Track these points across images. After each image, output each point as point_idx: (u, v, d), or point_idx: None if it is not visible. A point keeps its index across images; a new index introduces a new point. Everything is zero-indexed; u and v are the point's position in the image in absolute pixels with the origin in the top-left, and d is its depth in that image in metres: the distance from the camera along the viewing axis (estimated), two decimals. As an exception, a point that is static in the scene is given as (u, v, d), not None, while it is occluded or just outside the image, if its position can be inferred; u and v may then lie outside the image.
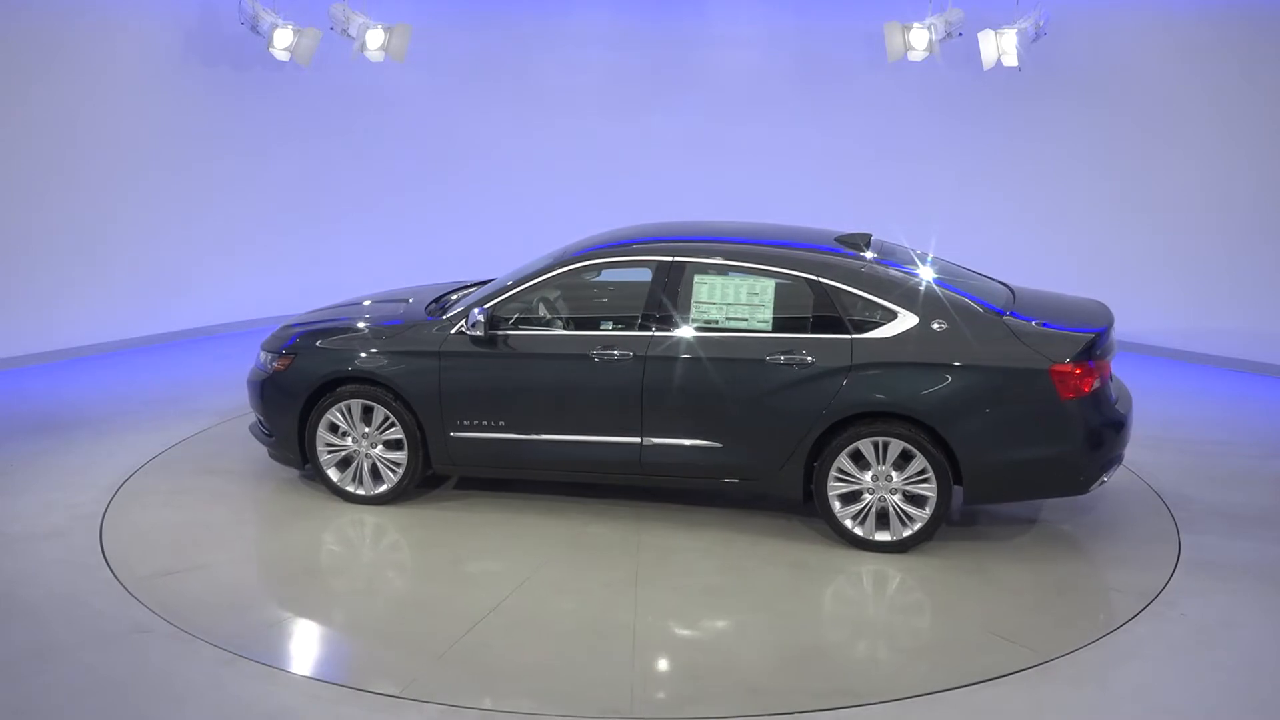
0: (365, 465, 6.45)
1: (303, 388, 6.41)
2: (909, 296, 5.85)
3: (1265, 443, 7.87)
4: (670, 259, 6.16)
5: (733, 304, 6.00)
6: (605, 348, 6.07)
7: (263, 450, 6.95)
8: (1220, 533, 6.24)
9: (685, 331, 6.01)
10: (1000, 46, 9.45)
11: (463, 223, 11.69)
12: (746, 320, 5.97)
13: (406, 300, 7.04)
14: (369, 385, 6.36)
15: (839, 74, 11.34)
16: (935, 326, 5.73)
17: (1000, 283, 6.60)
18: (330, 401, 6.39)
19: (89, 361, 9.66)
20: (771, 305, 5.96)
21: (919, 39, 9.70)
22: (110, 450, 7.31)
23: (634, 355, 6.03)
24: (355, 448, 6.44)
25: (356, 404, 6.37)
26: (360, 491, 6.47)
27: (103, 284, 9.86)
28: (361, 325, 6.65)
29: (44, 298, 9.48)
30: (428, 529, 6.23)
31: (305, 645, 5.06)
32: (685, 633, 5.14)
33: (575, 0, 11.58)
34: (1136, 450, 7.33)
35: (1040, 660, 4.75)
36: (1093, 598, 5.49)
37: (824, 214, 10.81)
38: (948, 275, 6.26)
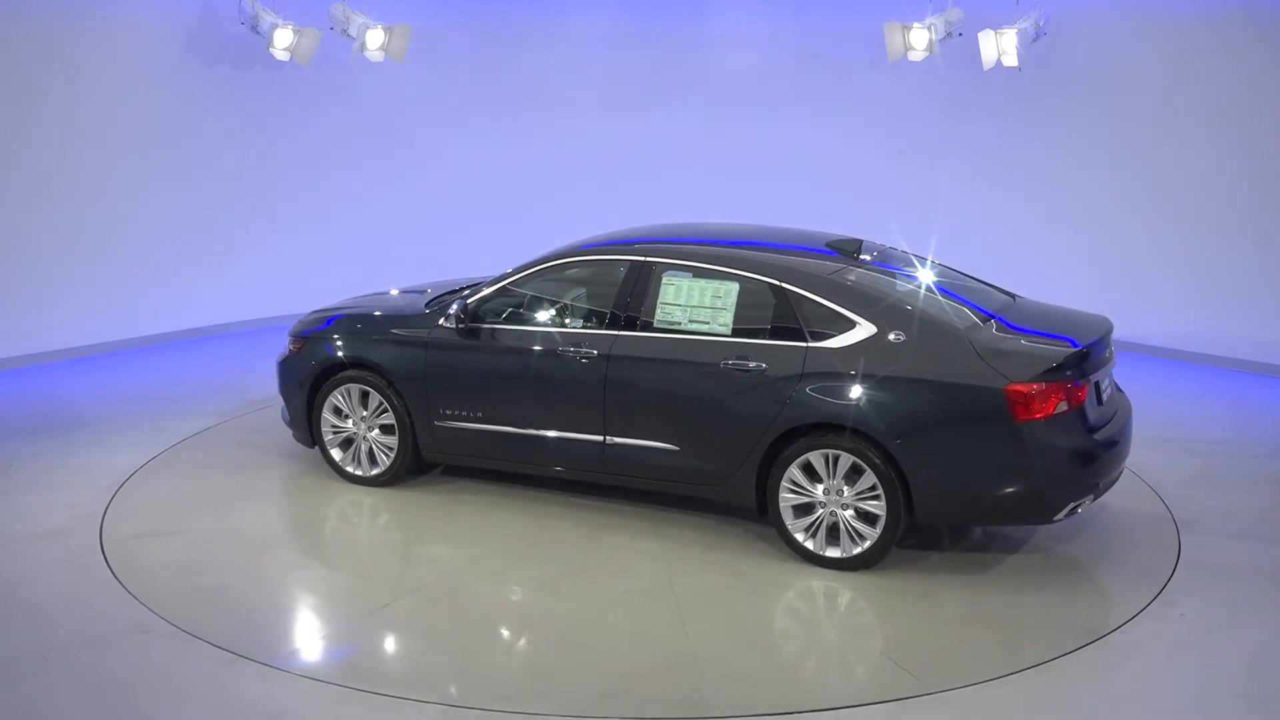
0: (363, 448, 6.75)
1: (309, 371, 6.78)
2: (869, 305, 5.64)
3: (1266, 443, 7.87)
4: (642, 259, 6.17)
5: (697, 306, 5.93)
6: (573, 345, 6.12)
7: (284, 434, 7.26)
8: (1220, 533, 6.24)
9: (648, 332, 6.00)
10: (1000, 46, 9.45)
11: (463, 222, 11.69)
12: (708, 323, 5.89)
13: (424, 292, 7.23)
14: (366, 371, 6.65)
15: (839, 74, 11.34)
16: (892, 338, 5.50)
17: (1004, 291, 6.46)
18: (332, 385, 6.72)
19: (89, 361, 9.66)
20: (733, 309, 5.85)
21: (919, 39, 9.70)
22: (110, 450, 7.32)
23: (598, 354, 6.05)
24: (355, 430, 6.75)
25: (355, 389, 6.68)
26: (359, 472, 6.78)
27: (103, 284, 9.85)
28: (371, 314, 6.88)
29: (44, 298, 9.48)
30: (404, 511, 6.48)
31: (240, 620, 5.14)
32: (578, 631, 5.09)
33: (575, 0, 11.58)
34: (1136, 450, 7.32)
35: (923, 691, 4.52)
36: (1024, 632, 5.06)
37: (824, 214, 10.83)
38: (941, 280, 6.15)
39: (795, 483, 5.67)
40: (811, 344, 5.64)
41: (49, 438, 7.55)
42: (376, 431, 6.70)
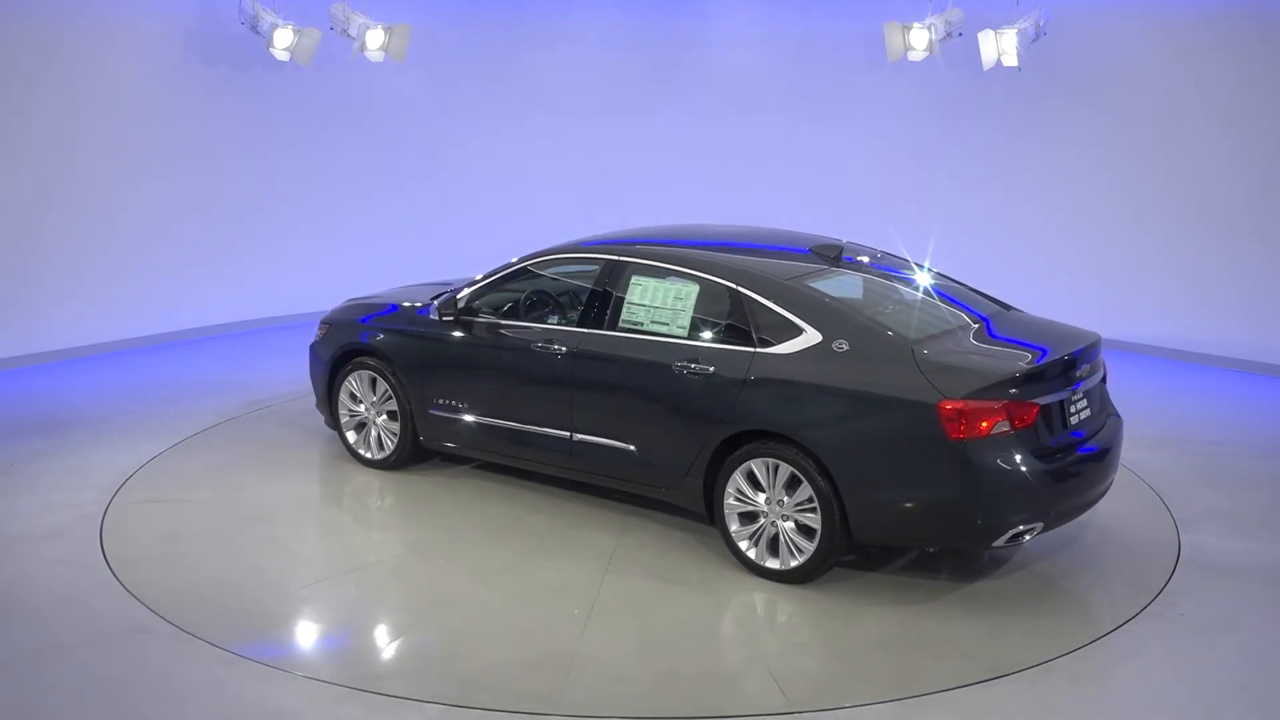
0: (373, 432, 7.04)
1: (328, 356, 7.13)
2: (819, 312, 5.48)
3: (1265, 443, 7.87)
4: (614, 259, 6.19)
5: (659, 307, 5.92)
6: (544, 341, 6.19)
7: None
8: (1220, 533, 6.24)
9: (611, 331, 6.01)
10: (1000, 46, 9.44)
11: (464, 222, 11.68)
12: (668, 325, 5.86)
13: (447, 285, 7.34)
14: (374, 359, 6.92)
15: (839, 74, 11.33)
16: (836, 347, 5.34)
17: (994, 300, 6.26)
18: (348, 371, 7.05)
19: (89, 361, 9.65)
20: (691, 310, 5.81)
21: (919, 39, 9.69)
22: (110, 450, 7.32)
23: (566, 350, 6.10)
24: (366, 415, 7.04)
25: (366, 375, 6.97)
26: (369, 455, 7.09)
27: (103, 284, 9.85)
28: (384, 304, 7.11)
29: (44, 298, 9.47)
30: (393, 493, 6.78)
31: (190, 599, 5.31)
32: (484, 621, 5.20)
33: (575, 0, 11.58)
34: (1137, 450, 7.35)
35: (789, 709, 4.45)
36: (930, 658, 4.84)
37: (823, 213, 10.83)
38: (924, 287, 6.05)
39: (740, 490, 5.57)
40: (759, 349, 5.54)
41: (49, 438, 7.55)
42: (384, 417, 6.96)
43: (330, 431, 7.43)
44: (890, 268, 6.35)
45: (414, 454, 6.97)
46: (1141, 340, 10.30)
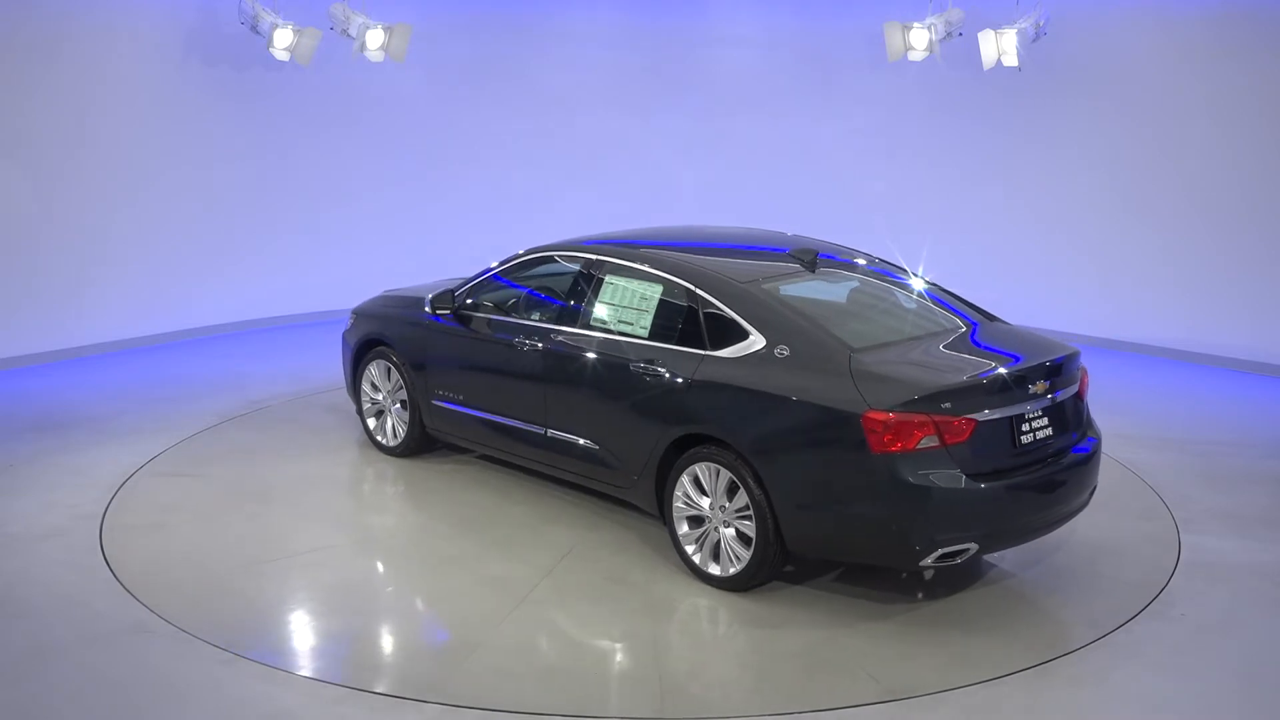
0: (389, 420, 7.29)
1: (353, 345, 7.40)
2: (767, 317, 5.40)
3: (1265, 443, 7.87)
4: (591, 258, 6.25)
5: (625, 307, 5.94)
6: (525, 337, 6.28)
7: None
8: (1220, 533, 6.24)
9: (583, 329, 6.06)
10: (1000, 46, 9.44)
11: (463, 222, 11.69)
12: (632, 324, 5.87)
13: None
14: (389, 349, 7.13)
15: (839, 74, 11.34)
16: (778, 352, 5.25)
17: (982, 311, 6.07)
18: (368, 360, 7.28)
19: (89, 361, 9.65)
20: (653, 311, 5.80)
21: (919, 39, 9.70)
22: (110, 450, 7.32)
23: (542, 347, 6.18)
24: (383, 403, 7.29)
25: (383, 364, 7.19)
26: (384, 442, 7.34)
27: (103, 284, 9.85)
28: (401, 297, 7.32)
29: (45, 298, 9.47)
30: (391, 479, 7.01)
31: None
32: (414, 608, 5.40)
33: (575, 0, 11.59)
34: (1137, 450, 7.36)
35: (666, 715, 4.41)
36: (833, 674, 4.71)
37: (822, 213, 10.83)
38: (906, 292, 5.99)
39: (686, 494, 5.53)
40: (708, 352, 5.49)
41: (49, 438, 7.55)
42: (399, 406, 7.18)
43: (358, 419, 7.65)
44: (878, 270, 6.28)
45: (424, 442, 7.16)
46: (1141, 340, 10.29)
